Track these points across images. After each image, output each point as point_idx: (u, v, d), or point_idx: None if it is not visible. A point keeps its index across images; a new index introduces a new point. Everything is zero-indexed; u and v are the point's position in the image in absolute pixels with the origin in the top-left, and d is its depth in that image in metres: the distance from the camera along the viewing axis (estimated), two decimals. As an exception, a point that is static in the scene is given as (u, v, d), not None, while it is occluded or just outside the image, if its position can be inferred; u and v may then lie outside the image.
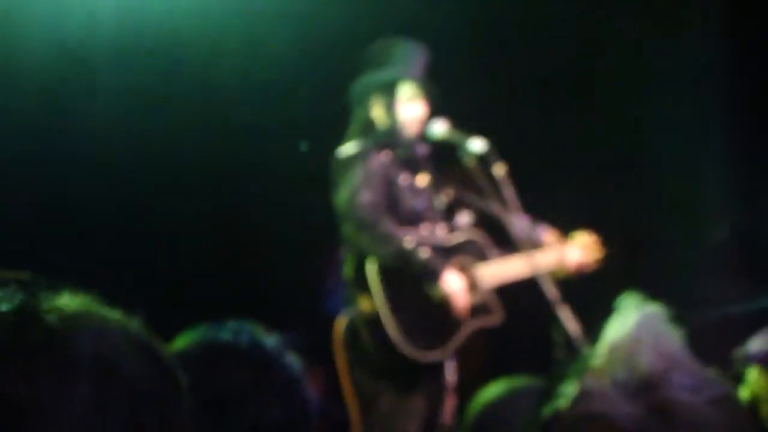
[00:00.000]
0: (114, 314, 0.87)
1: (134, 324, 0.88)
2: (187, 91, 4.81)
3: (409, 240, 3.78)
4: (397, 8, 4.70)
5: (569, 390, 1.19)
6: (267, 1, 4.87)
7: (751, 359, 1.78)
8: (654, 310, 1.26)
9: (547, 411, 1.21)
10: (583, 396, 1.18)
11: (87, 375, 0.82)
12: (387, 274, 3.81)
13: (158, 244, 4.80)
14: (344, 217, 3.81)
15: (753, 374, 1.74)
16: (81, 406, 0.80)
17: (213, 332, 1.61)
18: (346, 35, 4.58)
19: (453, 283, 3.78)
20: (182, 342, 1.61)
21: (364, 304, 3.83)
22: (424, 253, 3.78)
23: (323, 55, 4.78)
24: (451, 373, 3.94)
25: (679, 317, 1.30)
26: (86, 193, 4.69)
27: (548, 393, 1.23)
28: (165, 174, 4.88)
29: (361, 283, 3.83)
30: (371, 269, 3.77)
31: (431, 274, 3.78)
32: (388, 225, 3.79)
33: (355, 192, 3.78)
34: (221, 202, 4.99)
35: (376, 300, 3.79)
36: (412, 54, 3.98)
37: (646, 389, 1.17)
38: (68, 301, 0.85)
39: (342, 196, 3.81)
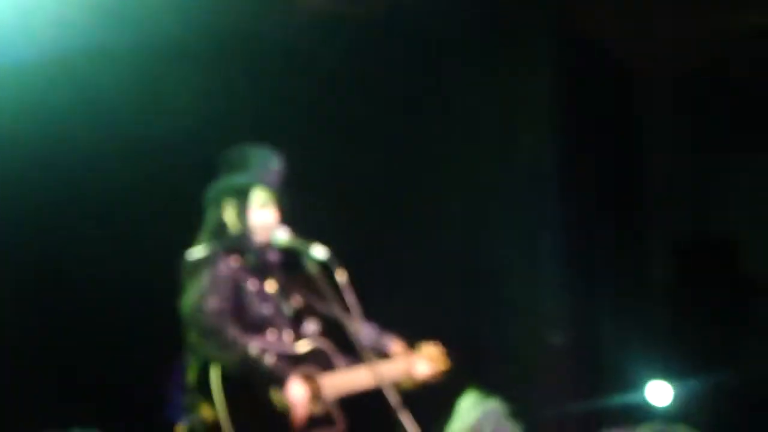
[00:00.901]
0: None
1: None
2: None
3: (254, 347, 3.78)
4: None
5: None
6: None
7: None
8: (493, 406, 1.38)
9: None
10: None
11: None
12: (230, 382, 3.78)
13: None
14: (189, 323, 3.79)
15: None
16: None
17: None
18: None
19: (296, 392, 3.79)
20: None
21: (205, 412, 3.80)
22: (270, 360, 3.79)
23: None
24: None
25: (520, 415, 1.41)
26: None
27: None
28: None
29: (203, 390, 3.80)
30: (214, 376, 3.75)
31: (275, 381, 3.78)
32: (233, 331, 3.78)
33: (202, 298, 3.78)
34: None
35: (217, 408, 3.76)
36: (268, 161, 4.08)
37: None
38: None
39: (188, 301, 3.80)
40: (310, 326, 4.11)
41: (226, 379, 3.78)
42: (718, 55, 6.08)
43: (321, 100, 5.42)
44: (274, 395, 3.80)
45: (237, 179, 4.00)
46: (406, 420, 3.69)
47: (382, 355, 4.16)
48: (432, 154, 5.55)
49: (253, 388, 3.81)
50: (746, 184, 6.05)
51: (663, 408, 5.78)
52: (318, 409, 3.93)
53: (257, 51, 5.46)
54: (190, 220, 4.04)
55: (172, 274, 3.89)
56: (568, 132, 5.78)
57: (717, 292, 6.24)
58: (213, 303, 3.77)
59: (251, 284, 3.95)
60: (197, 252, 3.90)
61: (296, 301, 4.14)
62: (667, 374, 5.91)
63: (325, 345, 4.07)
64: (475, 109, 5.59)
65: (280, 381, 3.78)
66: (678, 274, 6.40)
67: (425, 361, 4.22)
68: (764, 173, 5.99)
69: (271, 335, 3.95)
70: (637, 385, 5.85)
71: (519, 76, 5.75)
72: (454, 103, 5.61)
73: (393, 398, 3.78)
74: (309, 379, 3.93)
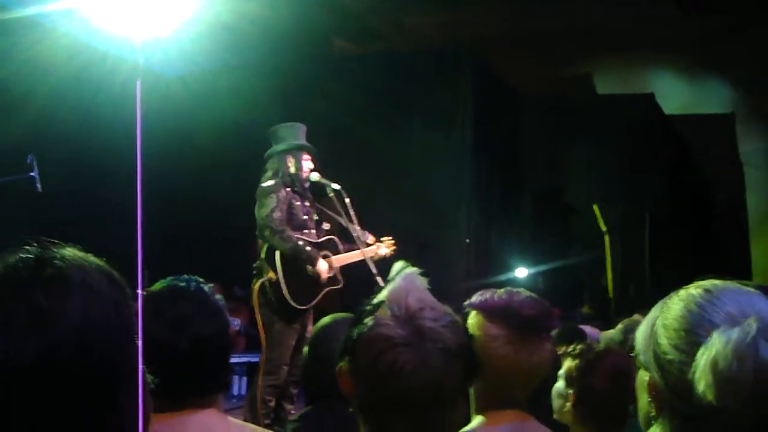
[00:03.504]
0: (95, 259, 1.25)
1: (105, 265, 1.27)
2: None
3: (299, 240, 5.97)
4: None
5: (367, 319, 1.67)
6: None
7: (470, 306, 2.34)
8: (414, 272, 1.73)
9: (355, 332, 1.68)
10: (375, 323, 1.65)
11: (78, 291, 1.19)
12: (285, 258, 5.91)
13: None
14: (263, 225, 5.94)
15: (471, 315, 2.30)
16: (75, 308, 1.18)
17: (176, 281, 2.20)
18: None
19: (322, 267, 6.04)
20: (159, 285, 2.22)
21: (270, 274, 5.92)
22: (308, 248, 6.00)
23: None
24: (311, 313, 6.12)
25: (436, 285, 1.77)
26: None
27: (357, 321, 1.70)
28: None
29: (270, 262, 5.92)
30: (277, 255, 5.91)
31: (310, 261, 5.98)
32: (288, 231, 5.94)
33: (272, 211, 5.90)
34: (213, 216, 8.07)
35: (277, 272, 5.93)
36: (303, 131, 6.31)
37: (410, 319, 1.65)
38: (69, 251, 1.24)
39: (262, 212, 5.96)
40: (326, 227, 6.35)
41: (283, 256, 5.92)
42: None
43: (336, 105, 8.34)
44: (309, 268, 5.99)
45: (294, 143, 6.16)
46: (379, 280, 5.88)
47: (365, 244, 6.30)
48: (398, 141, 8.61)
49: (298, 262, 5.92)
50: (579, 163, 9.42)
51: (521, 281, 8.91)
52: (330, 274, 6.16)
53: (302, 75, 8.32)
54: (258, 166, 6.39)
55: (251, 195, 6.21)
56: (478, 130, 8.89)
57: (554, 219, 9.80)
58: (277, 214, 5.94)
59: (296, 203, 6.10)
60: (267, 184, 6.09)
61: (320, 213, 6.27)
62: (525, 263, 9.31)
63: (334, 238, 6.37)
64: (426, 113, 8.53)
65: (313, 261, 6.00)
66: (533, 210, 10.20)
67: (386, 247, 6.55)
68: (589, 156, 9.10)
69: (305, 232, 6.14)
70: (509, 268, 9.20)
71: (452, 95, 8.66)
72: (415, 110, 8.57)
73: (371, 267, 6.06)
74: (326, 258, 6.18)
